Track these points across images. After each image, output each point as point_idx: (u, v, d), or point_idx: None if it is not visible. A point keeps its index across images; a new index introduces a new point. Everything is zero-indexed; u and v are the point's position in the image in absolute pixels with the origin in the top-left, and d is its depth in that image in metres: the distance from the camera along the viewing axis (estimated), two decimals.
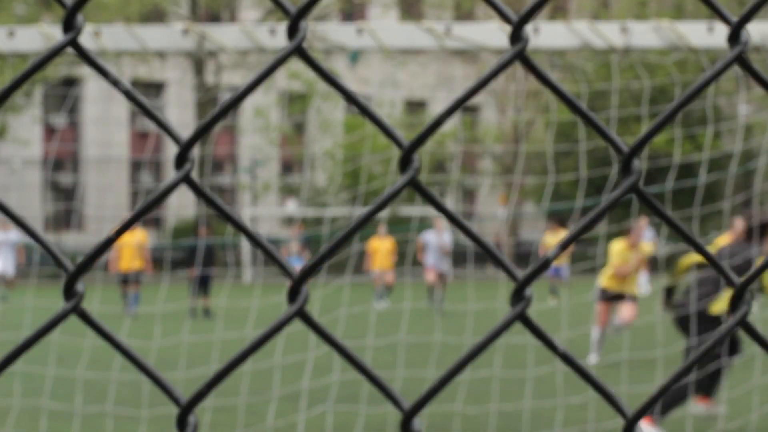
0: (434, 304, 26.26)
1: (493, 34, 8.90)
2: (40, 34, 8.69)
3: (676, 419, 10.70)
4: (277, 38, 8.85)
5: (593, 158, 30.38)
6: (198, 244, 26.00)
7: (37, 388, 12.79)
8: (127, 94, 1.34)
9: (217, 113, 1.32)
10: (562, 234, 28.91)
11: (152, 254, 46.62)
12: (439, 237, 26.93)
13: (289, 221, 52.44)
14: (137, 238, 25.41)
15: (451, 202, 51.21)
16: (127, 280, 25.03)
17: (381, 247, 29.57)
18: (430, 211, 42.20)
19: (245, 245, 43.87)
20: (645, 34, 9.00)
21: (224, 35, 9.10)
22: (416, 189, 1.35)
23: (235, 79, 49.38)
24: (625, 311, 16.14)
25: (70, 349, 15.11)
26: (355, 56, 9.38)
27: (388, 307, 25.28)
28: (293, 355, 14.39)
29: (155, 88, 56.22)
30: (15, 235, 30.48)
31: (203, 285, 25.78)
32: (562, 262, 29.24)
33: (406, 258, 33.88)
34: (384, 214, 35.26)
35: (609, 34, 8.92)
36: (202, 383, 1.32)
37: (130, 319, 23.28)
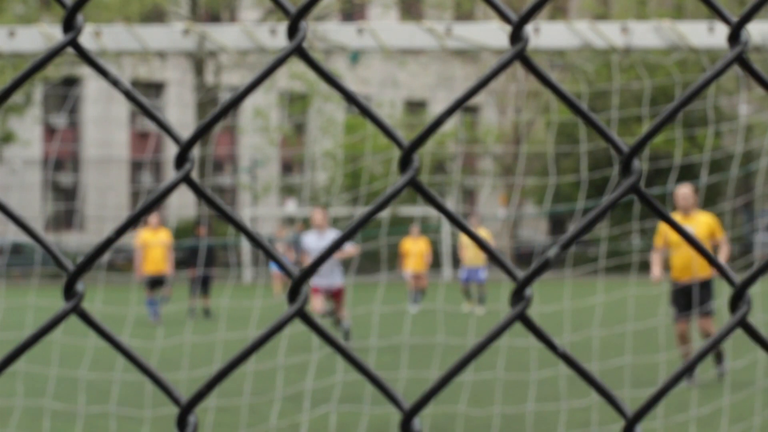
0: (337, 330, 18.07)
1: (493, 34, 8.90)
2: (41, 34, 8.70)
3: (680, 423, 10.71)
4: (278, 38, 8.85)
5: (594, 159, 30.32)
6: (199, 244, 25.90)
7: (39, 388, 12.79)
8: (127, 94, 1.34)
9: (217, 113, 1.32)
10: (481, 232, 27.34)
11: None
12: (320, 239, 18.07)
13: (289, 221, 52.47)
14: (162, 238, 24.04)
15: (451, 203, 51.22)
16: (155, 283, 23.62)
17: (414, 248, 28.04)
18: (430, 211, 42.21)
19: (246, 246, 43.88)
20: (645, 34, 9.00)
21: (224, 35, 9.11)
22: (416, 189, 1.35)
23: (235, 79, 49.40)
24: None
25: (72, 348, 15.12)
26: (355, 56, 9.38)
27: (392, 309, 24.01)
28: (296, 356, 14.39)
29: (155, 88, 56.25)
30: None
31: (203, 285, 25.65)
32: (480, 264, 26.58)
33: (440, 258, 32.93)
34: (385, 214, 35.18)
35: (609, 34, 8.92)
36: (202, 383, 1.32)
37: (159, 324, 22.52)
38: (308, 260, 17.92)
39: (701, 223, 13.02)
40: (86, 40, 8.45)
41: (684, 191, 12.98)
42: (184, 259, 27.75)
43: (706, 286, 13.00)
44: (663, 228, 13.12)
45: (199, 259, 25.35)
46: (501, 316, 20.03)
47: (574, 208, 22.50)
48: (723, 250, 12.95)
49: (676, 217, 13.04)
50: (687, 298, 12.96)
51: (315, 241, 17.88)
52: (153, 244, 23.63)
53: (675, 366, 14.03)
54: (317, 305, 17.58)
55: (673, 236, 12.92)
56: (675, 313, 13.11)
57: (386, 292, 25.53)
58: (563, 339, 14.69)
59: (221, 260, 39.19)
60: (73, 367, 14.18)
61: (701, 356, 1.38)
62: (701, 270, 12.97)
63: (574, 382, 12.51)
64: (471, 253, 26.58)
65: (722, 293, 15.38)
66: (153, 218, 23.86)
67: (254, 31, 8.96)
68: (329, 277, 17.65)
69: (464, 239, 27.15)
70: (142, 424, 10.67)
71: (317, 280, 17.58)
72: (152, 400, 11.52)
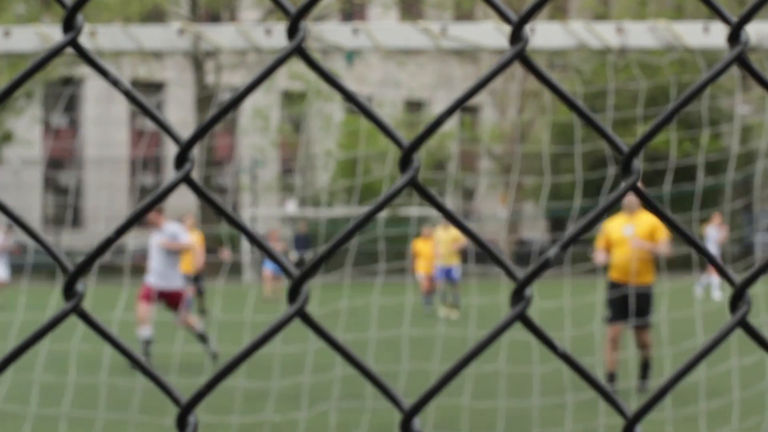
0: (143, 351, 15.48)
1: (489, 33, 8.91)
2: (37, 34, 8.70)
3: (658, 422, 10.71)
4: (274, 38, 8.85)
5: (594, 159, 30.29)
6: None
7: (27, 394, 12.76)
8: (127, 94, 1.34)
9: (217, 114, 1.32)
10: (453, 230, 25.37)
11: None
12: (159, 234, 16.05)
13: (289, 221, 52.50)
14: (194, 240, 23.73)
15: (450, 202, 51.22)
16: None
17: (426, 248, 26.79)
18: (430, 211, 42.29)
19: (245, 245, 43.88)
20: (641, 35, 9.00)
21: (220, 35, 9.11)
22: (416, 189, 1.35)
23: (235, 79, 49.41)
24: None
25: (59, 354, 15.08)
26: (350, 56, 9.39)
27: (389, 305, 22.67)
28: (293, 347, 14.37)
29: (155, 87, 56.27)
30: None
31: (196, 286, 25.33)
32: (453, 262, 25.52)
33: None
34: (383, 214, 35.17)
35: (605, 34, 8.93)
36: (202, 384, 1.32)
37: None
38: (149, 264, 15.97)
39: (643, 222, 12.49)
40: (82, 39, 8.45)
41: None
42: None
43: (645, 296, 12.56)
44: (606, 228, 12.78)
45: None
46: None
47: (572, 208, 22.43)
48: (660, 249, 12.53)
49: (621, 217, 12.81)
50: (624, 304, 12.49)
51: (153, 239, 15.96)
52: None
53: (665, 361, 14.03)
54: (142, 312, 15.40)
55: (615, 235, 12.62)
56: (610, 316, 12.61)
57: (384, 292, 25.28)
58: (564, 336, 14.68)
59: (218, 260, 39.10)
60: (61, 372, 14.17)
61: (702, 355, 1.38)
62: (641, 276, 12.56)
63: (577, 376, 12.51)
64: (443, 251, 25.54)
65: (659, 305, 15.10)
66: (189, 219, 23.64)
67: (250, 31, 8.97)
68: (167, 278, 15.62)
69: (439, 235, 25.97)
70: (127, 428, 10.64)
71: (153, 280, 15.60)
72: (139, 405, 11.44)
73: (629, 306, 12.53)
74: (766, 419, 10.57)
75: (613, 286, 12.63)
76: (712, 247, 30.10)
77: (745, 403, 11.29)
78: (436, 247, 25.90)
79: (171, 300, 15.62)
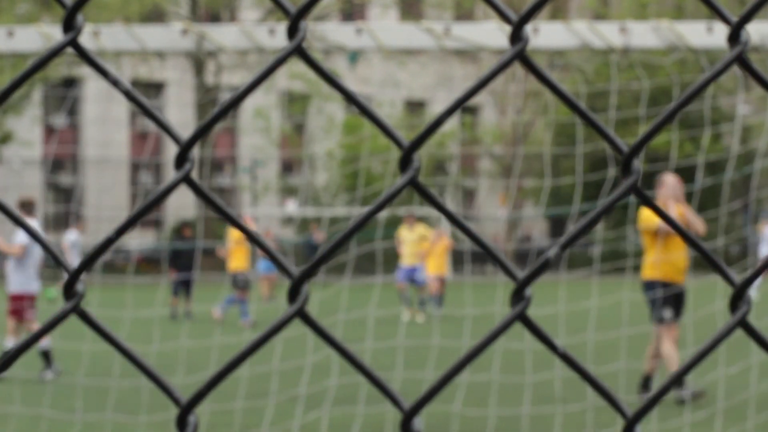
0: None
1: (491, 33, 8.91)
2: (39, 34, 8.70)
3: (674, 428, 10.70)
4: (276, 38, 8.85)
5: (593, 159, 30.29)
6: (182, 244, 25.69)
7: (36, 395, 12.74)
8: (127, 94, 1.34)
9: (217, 113, 1.32)
10: (418, 229, 24.96)
11: (150, 256, 45.94)
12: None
13: (288, 221, 52.49)
14: (239, 236, 23.35)
15: (450, 203, 51.23)
16: (239, 281, 23.24)
17: (432, 247, 25.58)
18: (430, 211, 42.34)
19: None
20: (644, 34, 9.01)
21: (223, 35, 9.11)
22: (416, 189, 1.35)
23: (235, 79, 49.40)
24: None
25: (68, 354, 15.08)
26: (354, 57, 9.38)
27: (387, 312, 20.99)
28: (291, 358, 14.36)
29: (155, 88, 56.26)
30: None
31: (185, 287, 25.13)
32: (417, 262, 24.48)
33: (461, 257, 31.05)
34: (383, 215, 35.13)
35: (608, 34, 8.93)
36: (202, 384, 1.32)
37: (250, 328, 21.79)
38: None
39: (678, 215, 11.96)
40: (85, 40, 8.45)
41: (673, 180, 11.94)
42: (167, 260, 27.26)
43: (683, 294, 12.18)
44: (650, 217, 12.04)
45: (182, 261, 25.07)
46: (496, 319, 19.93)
47: (569, 211, 22.42)
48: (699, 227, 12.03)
49: (662, 207, 12.03)
50: (677, 303, 12.06)
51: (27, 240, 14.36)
52: (240, 241, 23.24)
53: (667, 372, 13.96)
54: (11, 323, 14.19)
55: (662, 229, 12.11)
56: (670, 317, 12.01)
57: (382, 294, 25.11)
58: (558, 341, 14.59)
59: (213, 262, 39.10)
60: (70, 373, 14.15)
61: (702, 356, 1.38)
62: (683, 275, 12.10)
63: (569, 385, 12.48)
64: (408, 250, 24.56)
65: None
66: (248, 217, 23.70)
67: (253, 31, 8.97)
68: (30, 280, 14.28)
69: (402, 234, 24.91)
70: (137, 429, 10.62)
71: (18, 285, 14.25)
72: (148, 405, 11.43)
73: (676, 305, 12.05)
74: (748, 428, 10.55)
75: (662, 285, 11.97)
76: (766, 247, 30.09)
77: (728, 412, 11.26)
78: (400, 247, 24.80)
79: (12, 302, 14.16)
